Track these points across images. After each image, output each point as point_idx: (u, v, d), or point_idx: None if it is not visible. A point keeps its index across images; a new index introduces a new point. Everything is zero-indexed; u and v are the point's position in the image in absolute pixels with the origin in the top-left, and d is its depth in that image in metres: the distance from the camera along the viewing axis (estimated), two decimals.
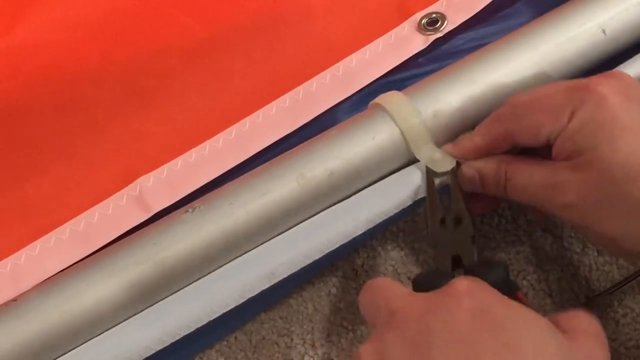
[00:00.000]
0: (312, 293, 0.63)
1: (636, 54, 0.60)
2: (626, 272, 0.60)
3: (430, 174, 0.56)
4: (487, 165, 0.54)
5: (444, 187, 0.57)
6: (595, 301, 0.60)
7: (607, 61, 0.61)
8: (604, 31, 0.59)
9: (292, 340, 0.62)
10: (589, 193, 0.48)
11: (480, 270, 0.49)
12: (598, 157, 0.47)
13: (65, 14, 0.71)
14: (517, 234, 0.63)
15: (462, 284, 0.45)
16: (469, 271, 0.50)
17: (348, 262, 0.64)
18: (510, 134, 0.53)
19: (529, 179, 0.52)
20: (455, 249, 0.53)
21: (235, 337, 0.62)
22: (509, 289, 0.47)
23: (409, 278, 0.63)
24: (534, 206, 0.54)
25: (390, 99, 0.58)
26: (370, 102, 0.60)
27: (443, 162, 0.56)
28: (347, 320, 0.62)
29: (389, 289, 0.48)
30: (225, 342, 0.62)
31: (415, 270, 0.63)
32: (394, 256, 0.64)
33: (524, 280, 0.61)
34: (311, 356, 0.61)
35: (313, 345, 0.61)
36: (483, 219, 0.64)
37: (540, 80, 0.58)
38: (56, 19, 0.71)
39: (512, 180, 0.53)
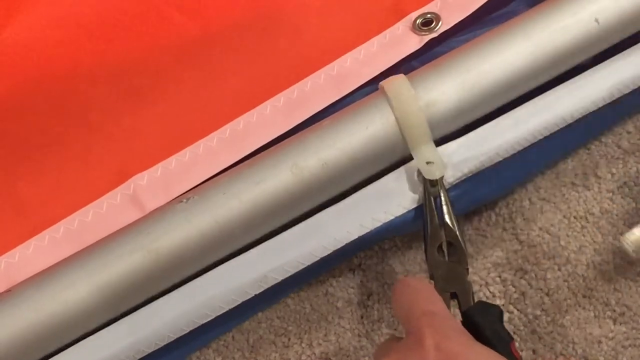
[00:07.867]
0: (309, 293, 0.63)
1: (629, 45, 0.61)
2: (622, 270, 0.61)
3: (427, 184, 0.55)
4: None
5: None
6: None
7: (601, 51, 0.61)
8: (597, 20, 0.59)
9: (289, 339, 0.62)
10: None
11: (476, 319, 0.48)
12: None
13: (59, 12, 0.71)
14: (515, 232, 0.63)
15: None
16: (465, 315, 0.50)
17: (345, 262, 0.63)
18: None
19: None
20: (452, 284, 0.52)
21: (233, 337, 0.62)
22: (503, 340, 0.46)
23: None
24: None
25: (393, 83, 0.58)
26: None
27: (433, 169, 0.55)
28: (345, 320, 0.62)
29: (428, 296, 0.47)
30: (222, 342, 0.62)
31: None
32: (391, 255, 0.63)
33: (522, 280, 0.61)
34: (308, 355, 0.61)
35: (310, 345, 0.61)
36: (481, 217, 0.64)
37: (534, 69, 0.58)
38: (49, 18, 0.71)
39: None
